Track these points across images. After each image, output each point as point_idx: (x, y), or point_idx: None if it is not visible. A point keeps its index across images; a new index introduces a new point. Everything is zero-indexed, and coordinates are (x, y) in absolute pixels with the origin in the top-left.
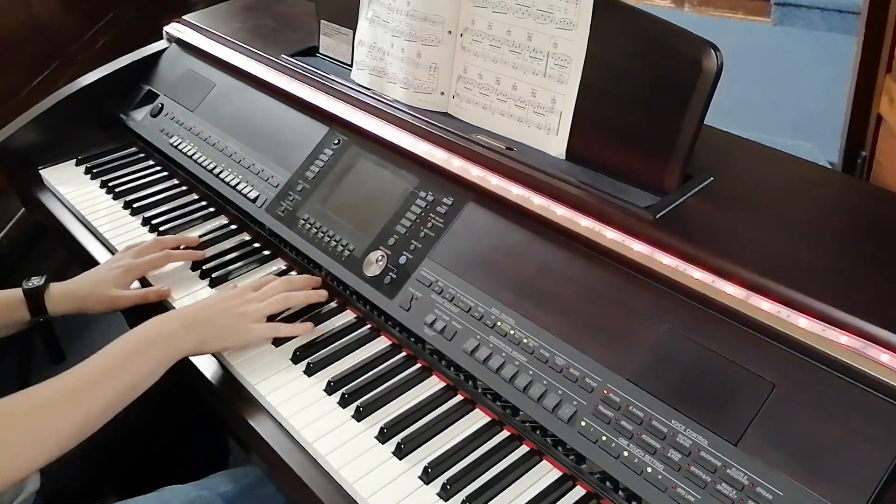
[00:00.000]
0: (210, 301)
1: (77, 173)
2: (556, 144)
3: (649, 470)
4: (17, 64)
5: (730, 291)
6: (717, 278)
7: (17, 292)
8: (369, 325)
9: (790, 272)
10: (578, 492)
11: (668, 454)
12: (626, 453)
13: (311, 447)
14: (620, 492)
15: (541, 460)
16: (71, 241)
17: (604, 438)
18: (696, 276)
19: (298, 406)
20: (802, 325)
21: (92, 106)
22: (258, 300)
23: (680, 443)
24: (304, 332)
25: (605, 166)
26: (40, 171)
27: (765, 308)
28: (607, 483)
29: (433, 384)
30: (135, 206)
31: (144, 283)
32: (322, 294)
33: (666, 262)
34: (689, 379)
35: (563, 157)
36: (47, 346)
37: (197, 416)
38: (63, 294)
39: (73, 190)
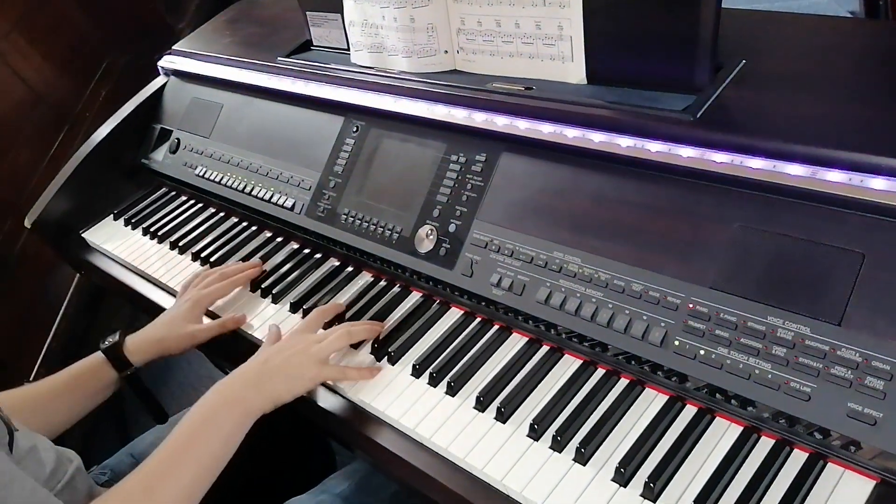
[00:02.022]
0: (270, 352)
1: (117, 227)
2: (574, 71)
3: (757, 372)
4: (29, 137)
5: (793, 172)
6: (777, 162)
7: (97, 355)
8: (437, 301)
9: (850, 135)
10: (690, 411)
11: (773, 351)
12: (728, 361)
13: (414, 433)
14: (733, 401)
15: (643, 389)
16: (131, 294)
17: (702, 352)
18: (755, 166)
19: (392, 396)
20: (877, 186)
21: (112, 158)
22: (317, 342)
23: (782, 337)
24: (371, 374)
25: (631, 80)
26: (83, 235)
27: (834, 179)
28: (717, 395)
29: (516, 342)
30: (181, 244)
31: (212, 315)
32: (386, 324)
33: (719, 159)
34: (774, 271)
35: (585, 82)
36: (145, 403)
37: (297, 423)
38: (140, 342)
39: (119, 244)
